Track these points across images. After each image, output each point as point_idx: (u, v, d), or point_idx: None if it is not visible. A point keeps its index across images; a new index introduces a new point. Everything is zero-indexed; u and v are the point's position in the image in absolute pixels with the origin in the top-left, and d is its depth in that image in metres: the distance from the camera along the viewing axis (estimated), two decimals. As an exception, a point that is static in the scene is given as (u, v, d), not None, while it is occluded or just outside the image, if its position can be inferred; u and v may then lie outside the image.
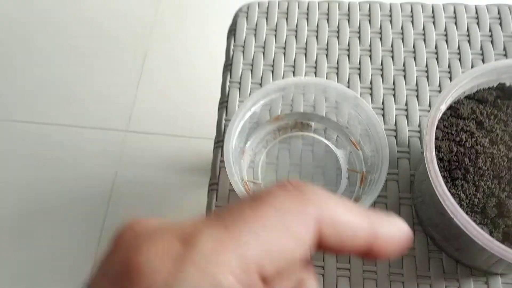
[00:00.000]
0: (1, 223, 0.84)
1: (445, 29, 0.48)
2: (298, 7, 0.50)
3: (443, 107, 0.34)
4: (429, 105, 0.44)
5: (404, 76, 0.46)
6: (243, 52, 0.48)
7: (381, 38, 0.48)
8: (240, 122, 0.39)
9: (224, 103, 0.45)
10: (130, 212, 0.82)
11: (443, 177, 0.33)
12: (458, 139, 0.34)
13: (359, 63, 0.47)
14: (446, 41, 0.47)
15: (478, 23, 0.48)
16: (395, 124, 0.43)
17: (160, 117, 0.91)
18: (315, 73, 0.46)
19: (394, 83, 0.45)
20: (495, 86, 0.37)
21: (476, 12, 0.48)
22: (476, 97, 0.36)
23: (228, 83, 0.46)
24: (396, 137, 0.43)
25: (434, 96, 0.44)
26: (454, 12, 0.49)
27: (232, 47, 0.48)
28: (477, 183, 0.33)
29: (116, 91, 0.95)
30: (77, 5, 1.06)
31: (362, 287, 0.37)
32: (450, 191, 0.32)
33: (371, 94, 0.45)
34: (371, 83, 0.45)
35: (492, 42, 0.47)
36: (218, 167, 0.42)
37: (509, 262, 0.29)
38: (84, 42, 1.02)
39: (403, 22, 0.49)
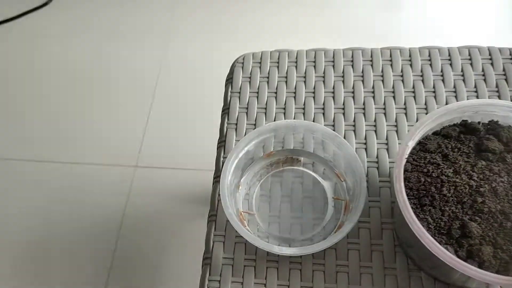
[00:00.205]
0: (12, 260, 0.89)
1: (421, 70, 0.53)
2: (288, 56, 0.56)
3: (411, 143, 0.39)
4: (407, 139, 0.49)
5: (385, 114, 0.51)
6: (239, 97, 0.53)
7: (363, 81, 0.53)
8: (235, 160, 0.44)
9: (222, 143, 0.51)
10: (139, 245, 0.87)
11: (413, 204, 0.38)
12: (425, 170, 0.39)
13: (343, 104, 0.52)
14: (422, 81, 0.52)
15: (451, 64, 0.53)
16: (377, 157, 0.48)
17: (167, 152, 0.97)
18: (303, 114, 0.52)
19: (375, 120, 0.50)
20: (458, 123, 0.42)
21: (449, 55, 0.54)
22: (442, 133, 0.41)
23: (226, 125, 0.52)
24: (378, 168, 0.47)
25: (411, 131, 0.49)
26: (429, 55, 0.54)
27: (229, 93, 0.54)
28: (442, 208, 0.37)
29: (126, 130, 1.02)
30: (91, 49, 1.15)
31: (348, 306, 0.41)
32: (419, 216, 0.37)
33: (354, 131, 0.50)
34: (354, 121, 0.51)
35: (464, 81, 0.52)
36: (217, 200, 0.47)
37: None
38: (96, 83, 1.10)
39: (383, 66, 0.54)
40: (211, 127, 0.65)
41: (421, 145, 0.40)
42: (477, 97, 0.50)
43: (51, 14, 1.23)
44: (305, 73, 0.54)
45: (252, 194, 0.47)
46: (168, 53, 1.13)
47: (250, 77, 0.55)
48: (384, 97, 0.52)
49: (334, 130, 0.50)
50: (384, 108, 0.51)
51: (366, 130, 0.50)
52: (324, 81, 0.54)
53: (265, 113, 0.52)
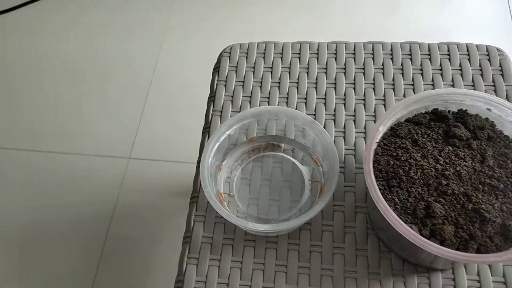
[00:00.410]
0: (6, 247, 0.90)
1: (402, 64, 0.55)
2: (274, 48, 0.58)
3: (381, 128, 0.41)
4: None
5: (364, 104, 0.53)
6: (225, 86, 0.55)
7: (345, 73, 0.55)
8: (216, 143, 0.46)
9: (206, 129, 0.53)
10: (131, 235, 0.89)
11: (382, 185, 0.39)
12: (395, 154, 0.41)
13: (325, 94, 0.54)
14: (402, 74, 0.54)
15: (430, 59, 0.55)
16: (354, 145, 0.50)
17: (161, 144, 0.99)
18: (286, 103, 0.54)
19: (355, 110, 0.52)
20: (430, 111, 0.44)
21: (429, 50, 0.56)
22: (414, 120, 0.43)
23: (211, 112, 0.54)
24: (355, 155, 0.49)
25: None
26: (410, 50, 0.56)
27: (216, 81, 0.56)
28: (409, 189, 0.39)
29: (121, 121, 1.04)
30: (86, 41, 1.18)
31: (320, 283, 0.43)
32: (386, 197, 0.39)
33: (334, 120, 0.52)
34: (334, 110, 0.53)
35: (442, 75, 0.54)
36: (199, 182, 0.49)
37: (446, 258, 0.34)
38: (91, 74, 1.12)
39: (365, 59, 0.56)
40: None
41: (393, 130, 0.42)
42: (453, 90, 0.52)
43: (46, 7, 1.25)
44: (290, 64, 0.56)
45: (233, 177, 0.49)
46: (164, 47, 1.15)
47: (236, 67, 0.57)
48: (365, 88, 0.54)
49: (315, 119, 0.52)
50: (364, 99, 0.53)
51: (345, 120, 0.52)
52: (307, 73, 0.56)
53: (250, 101, 0.54)
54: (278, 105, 0.53)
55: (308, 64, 0.56)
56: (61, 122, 1.06)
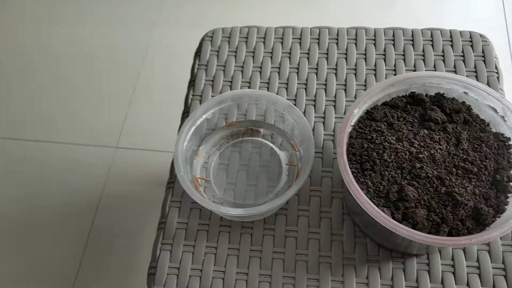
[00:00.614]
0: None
1: (384, 50, 0.54)
2: (257, 33, 0.57)
3: (356, 111, 0.40)
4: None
5: (345, 90, 0.52)
6: (205, 70, 0.55)
7: (327, 58, 0.54)
8: (192, 126, 0.45)
9: (186, 113, 0.52)
10: (116, 224, 0.88)
11: (355, 168, 0.39)
12: (369, 137, 0.40)
13: (306, 80, 0.53)
14: (384, 59, 0.54)
15: (413, 45, 0.54)
16: (333, 130, 0.49)
17: (148, 134, 0.99)
18: (267, 88, 0.53)
19: (335, 96, 0.52)
20: (407, 94, 0.43)
21: (412, 35, 0.55)
22: (390, 103, 0.42)
23: (190, 96, 0.53)
24: (333, 141, 0.49)
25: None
26: (393, 35, 0.55)
27: (196, 66, 0.55)
28: (383, 173, 0.38)
29: (108, 110, 1.03)
30: (75, 30, 1.17)
31: (294, 268, 0.42)
32: (359, 180, 0.38)
33: (314, 106, 0.51)
34: (315, 96, 0.52)
35: (424, 60, 0.53)
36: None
37: (421, 243, 0.34)
38: (78, 63, 1.11)
39: (348, 44, 0.55)
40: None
41: (369, 114, 0.42)
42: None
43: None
44: (272, 49, 0.56)
45: (211, 162, 0.49)
46: (153, 36, 1.14)
47: (218, 51, 0.56)
48: (346, 74, 0.53)
49: (295, 104, 0.51)
50: (345, 85, 0.52)
51: (325, 105, 0.51)
52: (290, 57, 0.55)
53: (231, 86, 0.54)
54: (259, 90, 0.53)
55: (290, 49, 0.56)
56: (47, 111, 1.05)
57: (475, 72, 0.51)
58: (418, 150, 0.39)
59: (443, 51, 0.53)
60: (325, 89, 0.52)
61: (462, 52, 0.53)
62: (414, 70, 0.52)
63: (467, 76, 0.51)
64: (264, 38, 0.57)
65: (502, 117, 0.39)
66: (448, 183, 0.37)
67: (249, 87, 0.53)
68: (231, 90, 0.53)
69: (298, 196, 0.46)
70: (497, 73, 0.50)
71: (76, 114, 1.04)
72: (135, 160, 0.96)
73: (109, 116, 1.02)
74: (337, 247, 0.43)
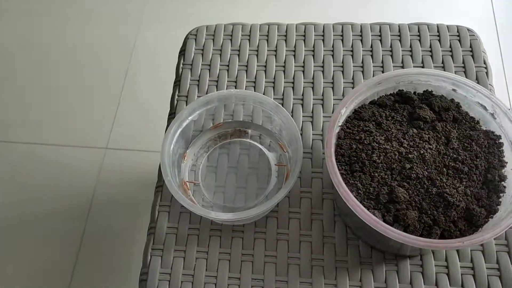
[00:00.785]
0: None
1: (371, 46, 0.53)
2: (242, 30, 0.56)
3: (343, 111, 0.40)
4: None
5: (333, 88, 0.51)
6: (191, 70, 0.54)
7: (313, 56, 0.54)
8: (178, 129, 0.44)
9: (172, 115, 0.51)
10: (108, 225, 0.87)
11: (344, 170, 0.38)
12: (358, 137, 0.39)
13: (293, 78, 0.52)
14: (371, 56, 0.53)
15: (400, 40, 0.54)
16: (322, 130, 0.49)
17: (138, 134, 0.97)
18: (254, 87, 0.52)
19: (323, 94, 0.51)
20: (395, 92, 0.43)
21: (399, 31, 0.54)
22: (378, 102, 0.42)
23: (176, 97, 0.52)
24: (322, 140, 0.48)
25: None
26: (380, 31, 0.54)
27: (181, 65, 0.54)
28: (372, 174, 0.38)
29: (97, 111, 1.02)
30: (62, 29, 1.14)
31: (287, 272, 0.42)
32: (349, 182, 0.38)
33: (302, 105, 0.51)
34: (302, 94, 0.51)
35: (412, 56, 0.52)
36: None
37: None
38: (65, 63, 1.09)
39: (334, 41, 0.54)
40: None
41: (356, 113, 0.41)
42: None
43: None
44: (257, 46, 0.55)
45: (199, 165, 0.48)
46: (141, 35, 1.12)
47: (203, 50, 0.55)
48: (333, 71, 0.52)
49: (283, 103, 0.51)
50: (333, 82, 0.52)
51: (313, 104, 0.50)
52: (276, 55, 0.54)
53: (217, 86, 0.53)
54: (245, 89, 0.52)
55: (276, 46, 0.55)
56: (35, 113, 1.03)
57: (464, 67, 0.50)
58: (407, 150, 0.38)
59: (430, 47, 0.53)
60: (313, 88, 0.52)
61: (450, 47, 0.52)
62: (402, 67, 0.52)
63: (455, 72, 0.50)
64: (249, 35, 0.56)
65: (492, 114, 0.39)
66: (439, 183, 0.36)
67: (235, 87, 0.52)
68: (217, 90, 0.52)
69: (288, 198, 0.45)
70: (485, 68, 0.50)
71: (64, 115, 1.02)
72: (125, 160, 0.94)
73: (98, 116, 1.00)
74: (329, 249, 0.43)
